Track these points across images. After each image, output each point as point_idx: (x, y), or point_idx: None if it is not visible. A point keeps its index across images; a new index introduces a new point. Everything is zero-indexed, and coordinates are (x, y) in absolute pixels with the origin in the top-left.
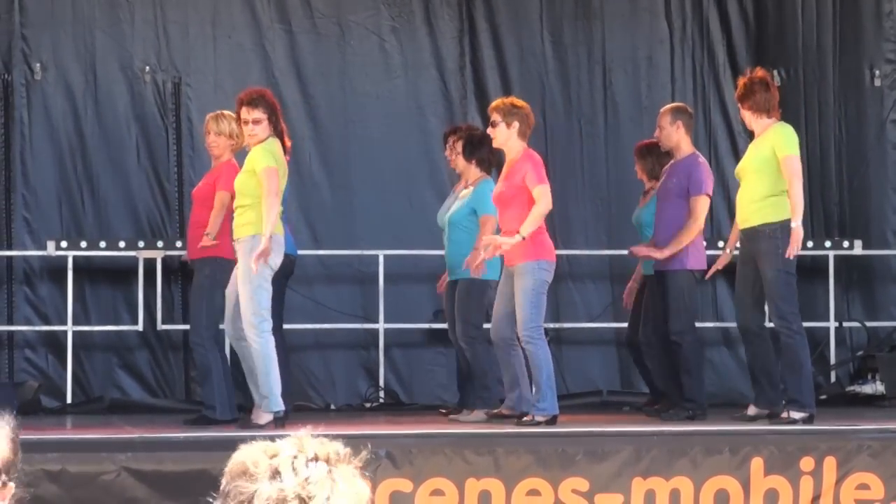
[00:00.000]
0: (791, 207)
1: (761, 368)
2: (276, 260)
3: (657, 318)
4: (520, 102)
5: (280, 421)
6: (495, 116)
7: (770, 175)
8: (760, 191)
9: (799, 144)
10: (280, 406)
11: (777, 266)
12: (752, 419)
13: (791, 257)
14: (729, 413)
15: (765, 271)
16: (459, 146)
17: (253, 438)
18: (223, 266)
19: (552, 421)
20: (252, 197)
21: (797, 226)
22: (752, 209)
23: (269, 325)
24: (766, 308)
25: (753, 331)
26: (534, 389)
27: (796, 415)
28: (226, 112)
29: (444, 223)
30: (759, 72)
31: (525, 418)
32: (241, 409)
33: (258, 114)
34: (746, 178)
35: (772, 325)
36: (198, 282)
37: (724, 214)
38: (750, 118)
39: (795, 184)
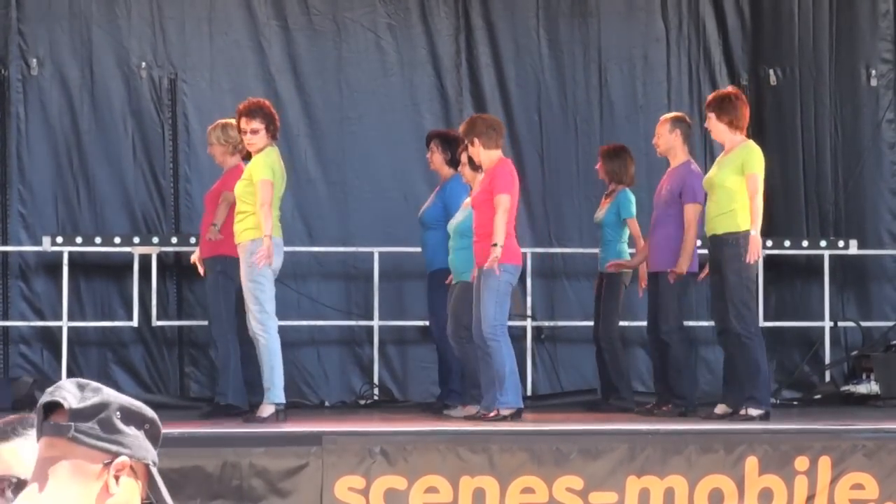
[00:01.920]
0: (751, 218)
1: (735, 370)
2: (277, 261)
3: (654, 317)
4: (479, 117)
5: (282, 414)
6: (465, 137)
7: (737, 189)
8: (727, 203)
9: (765, 161)
10: (281, 399)
11: (738, 272)
12: (721, 417)
13: (752, 262)
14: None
15: (727, 276)
16: (465, 156)
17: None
18: (233, 263)
19: (517, 414)
20: (251, 204)
21: (756, 234)
22: (718, 219)
23: (274, 322)
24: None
25: (732, 333)
26: (497, 385)
27: (753, 412)
28: (221, 121)
29: (450, 228)
30: (734, 89)
31: (491, 414)
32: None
33: (256, 124)
34: (714, 190)
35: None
36: (211, 279)
37: None
38: (723, 131)
39: (757, 199)
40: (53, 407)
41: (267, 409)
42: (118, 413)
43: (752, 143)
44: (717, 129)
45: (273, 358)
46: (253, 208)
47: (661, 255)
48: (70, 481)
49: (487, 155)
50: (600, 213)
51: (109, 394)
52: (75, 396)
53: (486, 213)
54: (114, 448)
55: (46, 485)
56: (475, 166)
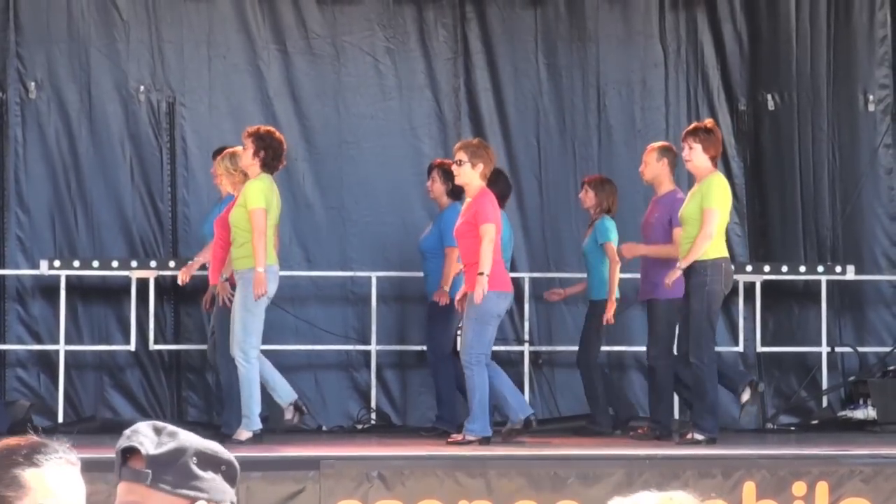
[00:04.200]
0: (687, 251)
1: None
2: (272, 288)
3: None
4: (486, 144)
5: (258, 438)
6: (461, 155)
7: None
8: (695, 232)
9: (730, 196)
10: (258, 425)
11: (701, 301)
12: (698, 443)
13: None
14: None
15: (691, 304)
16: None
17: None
18: None
19: (484, 441)
20: (247, 231)
21: (679, 268)
22: (687, 248)
23: (256, 351)
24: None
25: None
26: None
27: (699, 436)
28: (228, 150)
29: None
30: (712, 122)
31: (457, 437)
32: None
33: (247, 143)
34: (686, 224)
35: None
36: (222, 305)
37: None
38: (704, 164)
39: (702, 235)
40: (131, 451)
41: (244, 434)
42: (194, 458)
43: (717, 175)
44: (700, 159)
45: (252, 386)
46: (249, 235)
47: (652, 283)
48: None
49: (479, 184)
50: (584, 242)
51: (185, 438)
52: (152, 441)
53: (471, 242)
54: (192, 494)
55: None
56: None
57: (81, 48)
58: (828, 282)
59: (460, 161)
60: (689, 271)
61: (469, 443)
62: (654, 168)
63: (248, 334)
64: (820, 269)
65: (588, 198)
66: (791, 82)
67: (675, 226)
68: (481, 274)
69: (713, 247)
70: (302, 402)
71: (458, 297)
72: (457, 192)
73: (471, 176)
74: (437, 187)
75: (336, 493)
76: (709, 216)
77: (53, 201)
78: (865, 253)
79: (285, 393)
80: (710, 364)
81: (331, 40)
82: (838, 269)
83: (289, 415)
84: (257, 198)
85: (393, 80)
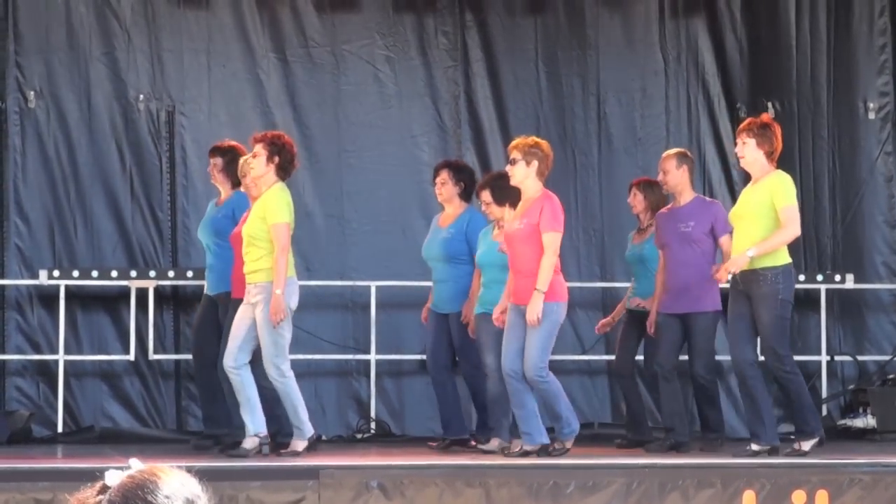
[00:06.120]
0: (764, 240)
1: (754, 403)
2: (294, 300)
3: (673, 353)
4: (540, 141)
5: (312, 446)
6: (515, 154)
7: (770, 220)
8: (761, 235)
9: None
10: (310, 431)
11: (774, 311)
12: (755, 454)
13: (719, 277)
14: (729, 447)
15: (761, 314)
16: (487, 195)
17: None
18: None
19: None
20: (265, 242)
21: (750, 253)
22: (745, 244)
23: (288, 363)
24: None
25: (748, 365)
26: (554, 420)
27: (806, 445)
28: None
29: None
30: (769, 118)
31: (556, 445)
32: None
33: (258, 148)
34: (744, 222)
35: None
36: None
37: None
38: (759, 160)
39: (786, 231)
40: None
41: (300, 444)
42: None
43: (780, 172)
44: (753, 154)
45: (294, 398)
46: (269, 247)
47: (692, 294)
48: None
49: (537, 185)
50: (638, 248)
51: None
52: None
53: (528, 249)
54: None
55: None
56: (502, 202)
57: (81, 57)
58: (827, 290)
59: (514, 160)
60: (755, 278)
61: (566, 450)
62: (676, 175)
63: (279, 348)
64: (819, 277)
65: (637, 202)
66: (791, 90)
67: (722, 234)
68: (537, 290)
69: (782, 251)
70: (266, 442)
71: (499, 310)
72: (468, 194)
73: (526, 174)
74: (448, 189)
75: (335, 502)
76: (791, 213)
77: (52, 210)
78: (866, 261)
79: (257, 424)
80: (793, 370)
81: (330, 49)
82: (838, 277)
83: (249, 444)
84: (282, 212)
85: (393, 88)
